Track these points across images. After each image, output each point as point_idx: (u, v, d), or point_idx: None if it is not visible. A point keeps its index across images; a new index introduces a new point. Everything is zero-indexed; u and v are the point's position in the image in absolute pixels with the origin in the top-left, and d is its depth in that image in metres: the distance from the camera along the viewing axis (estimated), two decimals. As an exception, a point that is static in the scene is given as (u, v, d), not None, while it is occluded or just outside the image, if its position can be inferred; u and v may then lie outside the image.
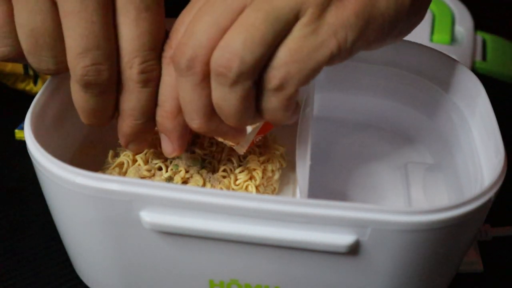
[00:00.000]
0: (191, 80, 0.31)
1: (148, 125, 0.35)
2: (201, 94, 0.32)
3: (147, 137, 0.37)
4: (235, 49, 0.29)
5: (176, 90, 0.33)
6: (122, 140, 0.37)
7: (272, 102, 0.31)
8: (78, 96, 0.34)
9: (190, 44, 0.30)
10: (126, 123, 0.35)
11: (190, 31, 0.31)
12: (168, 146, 0.36)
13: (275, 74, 0.30)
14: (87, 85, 0.33)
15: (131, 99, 0.34)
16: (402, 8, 0.32)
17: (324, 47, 0.30)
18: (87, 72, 0.32)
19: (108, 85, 0.33)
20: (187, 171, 0.39)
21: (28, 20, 0.32)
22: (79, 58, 0.32)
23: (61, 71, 0.34)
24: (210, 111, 0.32)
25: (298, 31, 0.30)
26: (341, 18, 0.30)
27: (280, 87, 0.30)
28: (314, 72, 0.30)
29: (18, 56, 0.34)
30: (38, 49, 0.33)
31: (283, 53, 0.30)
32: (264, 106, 0.32)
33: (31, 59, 0.34)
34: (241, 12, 0.30)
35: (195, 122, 0.33)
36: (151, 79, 0.34)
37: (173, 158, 0.40)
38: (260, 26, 0.29)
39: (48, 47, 0.33)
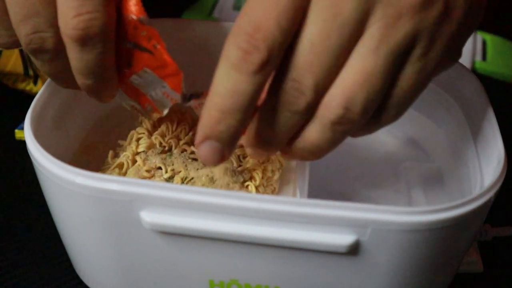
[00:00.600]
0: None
1: (105, 82, 0.33)
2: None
3: (111, 90, 0.34)
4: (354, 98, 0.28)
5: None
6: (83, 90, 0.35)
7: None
8: (35, 63, 0.33)
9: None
10: (79, 82, 0.33)
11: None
12: (215, 153, 0.31)
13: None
14: (34, 53, 0.32)
15: (72, 59, 0.31)
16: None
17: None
18: (30, 40, 0.31)
19: (58, 50, 0.32)
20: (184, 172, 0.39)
21: None
22: (20, 27, 0.31)
23: (18, 44, 0.33)
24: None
25: (412, 65, 0.29)
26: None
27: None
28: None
29: None
30: None
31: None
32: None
33: None
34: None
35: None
36: (92, 36, 0.30)
37: (171, 158, 0.40)
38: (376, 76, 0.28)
39: None
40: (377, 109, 0.30)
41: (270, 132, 0.30)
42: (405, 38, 0.28)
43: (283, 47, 0.28)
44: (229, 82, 0.28)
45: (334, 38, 0.28)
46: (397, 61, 0.28)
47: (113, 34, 0.32)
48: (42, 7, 0.30)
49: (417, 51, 0.29)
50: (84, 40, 0.30)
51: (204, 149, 0.30)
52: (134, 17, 0.31)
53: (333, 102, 0.29)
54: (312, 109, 0.29)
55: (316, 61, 0.28)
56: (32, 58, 0.33)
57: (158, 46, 0.33)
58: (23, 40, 0.31)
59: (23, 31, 0.31)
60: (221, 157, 0.30)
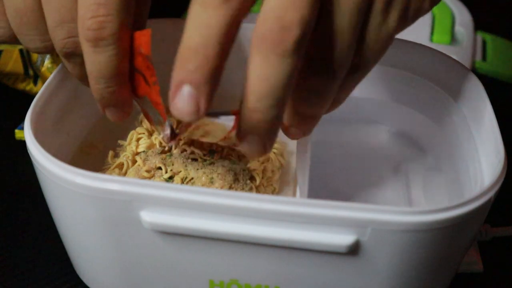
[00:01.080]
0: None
1: (117, 92, 0.33)
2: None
3: (123, 105, 0.34)
4: None
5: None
6: (98, 106, 0.35)
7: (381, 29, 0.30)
8: (67, 66, 0.35)
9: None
10: (92, 88, 0.34)
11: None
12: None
13: None
14: (67, 57, 0.33)
15: (87, 62, 0.32)
16: None
17: None
18: (65, 44, 0.33)
19: None
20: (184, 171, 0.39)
21: (12, 0, 0.33)
22: (55, 32, 0.33)
23: (49, 49, 0.35)
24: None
25: None
26: None
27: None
28: None
29: (11, 37, 0.35)
30: (24, 28, 0.34)
31: None
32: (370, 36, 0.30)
33: (20, 39, 0.35)
34: None
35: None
36: (105, 37, 0.31)
37: (171, 158, 0.40)
38: None
39: (32, 25, 0.34)
40: (350, 66, 0.31)
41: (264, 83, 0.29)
42: None
43: None
44: (195, 18, 0.27)
45: None
46: (361, 16, 0.29)
47: (126, 43, 0.32)
48: (77, 13, 0.32)
49: (378, 5, 0.30)
50: (96, 40, 0.31)
51: (177, 100, 0.28)
52: (143, 51, 0.32)
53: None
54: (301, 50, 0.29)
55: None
56: (65, 62, 0.35)
57: (156, 86, 0.33)
58: (57, 44, 0.33)
59: (58, 36, 0.33)
60: (196, 107, 0.28)
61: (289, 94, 0.29)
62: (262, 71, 0.27)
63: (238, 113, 0.30)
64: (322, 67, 0.30)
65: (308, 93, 0.31)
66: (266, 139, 0.30)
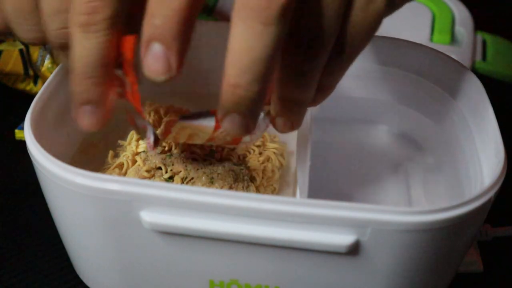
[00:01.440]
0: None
1: (99, 85, 0.31)
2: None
3: (101, 103, 0.32)
4: None
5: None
6: (73, 108, 0.32)
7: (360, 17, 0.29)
8: (60, 59, 0.33)
9: None
10: (74, 80, 0.31)
11: None
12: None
13: None
14: (61, 48, 0.32)
15: (75, 49, 0.31)
16: None
17: None
18: (58, 35, 0.32)
19: None
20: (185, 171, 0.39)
21: None
22: (49, 22, 0.31)
23: (43, 40, 0.34)
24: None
25: None
26: None
27: None
28: None
29: (4, 27, 0.34)
30: (20, 19, 0.33)
31: None
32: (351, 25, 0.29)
33: (14, 29, 0.34)
34: None
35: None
36: (97, 21, 0.29)
37: (171, 157, 0.40)
38: None
39: (28, 16, 0.33)
40: (334, 47, 0.30)
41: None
42: None
43: None
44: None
45: None
46: None
47: (116, 35, 0.31)
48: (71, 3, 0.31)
49: None
50: (88, 25, 0.30)
51: (147, 59, 0.27)
52: (127, 56, 0.31)
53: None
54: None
55: None
56: (58, 54, 0.33)
57: (137, 94, 0.32)
58: (51, 35, 0.32)
59: (52, 26, 0.31)
60: (166, 64, 0.27)
61: (274, 69, 0.27)
62: (244, 41, 0.26)
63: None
64: (303, 43, 0.28)
65: (290, 73, 0.29)
66: (249, 118, 0.28)
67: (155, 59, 0.27)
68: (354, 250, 0.32)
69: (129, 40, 0.31)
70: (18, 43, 0.54)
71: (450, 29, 0.63)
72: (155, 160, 0.40)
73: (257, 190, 0.40)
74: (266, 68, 0.26)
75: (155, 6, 0.26)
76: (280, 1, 0.25)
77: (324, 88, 0.32)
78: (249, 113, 0.28)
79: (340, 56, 0.30)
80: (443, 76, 0.44)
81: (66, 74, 0.39)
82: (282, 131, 0.33)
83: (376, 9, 0.30)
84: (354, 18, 0.29)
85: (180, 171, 0.39)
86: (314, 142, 0.45)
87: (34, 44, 0.35)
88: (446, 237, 0.32)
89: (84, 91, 0.31)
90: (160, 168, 0.39)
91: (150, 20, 0.27)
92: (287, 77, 0.30)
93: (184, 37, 0.27)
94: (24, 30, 0.34)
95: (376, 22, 0.30)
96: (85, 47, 0.31)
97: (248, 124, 0.28)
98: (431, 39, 0.62)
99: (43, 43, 0.34)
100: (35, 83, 0.55)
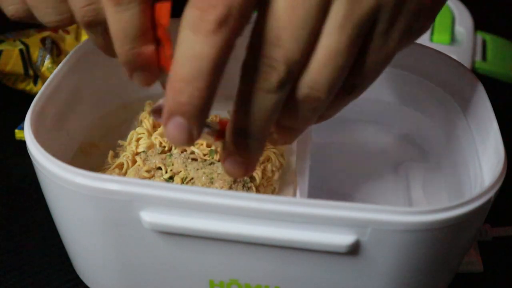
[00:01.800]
0: None
1: (142, 53, 0.32)
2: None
3: (149, 67, 0.32)
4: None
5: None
6: (126, 72, 0.33)
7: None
8: (90, 38, 0.34)
9: None
10: (118, 51, 0.32)
11: None
12: (182, 130, 0.28)
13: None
14: (89, 26, 0.33)
15: (111, 24, 0.31)
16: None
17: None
18: (86, 12, 0.32)
19: None
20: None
21: None
22: (75, 0, 0.32)
23: (65, 21, 0.34)
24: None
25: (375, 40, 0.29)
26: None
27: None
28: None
29: (26, 13, 0.34)
30: (43, 3, 0.33)
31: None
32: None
33: (35, 13, 0.34)
34: None
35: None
36: None
37: (171, 157, 0.40)
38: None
39: None
40: (342, 86, 0.30)
41: (248, 118, 0.29)
42: (368, 13, 0.28)
43: (243, 7, 0.27)
44: (187, 47, 0.27)
45: (300, 12, 0.27)
46: (361, 37, 0.28)
47: (147, 3, 0.31)
48: None
49: (380, 26, 0.29)
50: None
51: (170, 128, 0.28)
52: (162, 22, 0.32)
53: (300, 82, 0.28)
54: (286, 88, 0.28)
55: (284, 35, 0.27)
56: (87, 32, 0.34)
57: (170, 60, 0.32)
58: (78, 13, 0.32)
59: (78, 4, 0.32)
60: (188, 136, 0.28)
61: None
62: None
63: (224, 123, 0.30)
64: (309, 92, 0.29)
65: (291, 112, 0.30)
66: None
67: (177, 130, 0.28)
68: (354, 250, 0.32)
69: (163, 7, 0.32)
70: (18, 43, 0.54)
71: (450, 29, 0.63)
72: (155, 160, 0.40)
73: (257, 190, 0.40)
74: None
75: (180, 85, 0.27)
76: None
77: (325, 117, 0.33)
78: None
79: (348, 96, 0.31)
80: (443, 76, 0.44)
81: (66, 74, 0.39)
82: (275, 145, 0.33)
83: (389, 50, 0.30)
84: (367, 60, 0.30)
85: (180, 171, 0.39)
86: (314, 142, 0.45)
87: (58, 27, 0.35)
88: (446, 237, 0.32)
89: (129, 62, 0.32)
90: (160, 168, 0.39)
91: (175, 96, 0.27)
92: (287, 114, 0.30)
93: (207, 109, 0.28)
94: (45, 14, 0.34)
95: (388, 61, 0.31)
96: (121, 19, 0.31)
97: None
98: (431, 39, 0.62)
99: (66, 25, 0.34)
100: (35, 83, 0.55)
